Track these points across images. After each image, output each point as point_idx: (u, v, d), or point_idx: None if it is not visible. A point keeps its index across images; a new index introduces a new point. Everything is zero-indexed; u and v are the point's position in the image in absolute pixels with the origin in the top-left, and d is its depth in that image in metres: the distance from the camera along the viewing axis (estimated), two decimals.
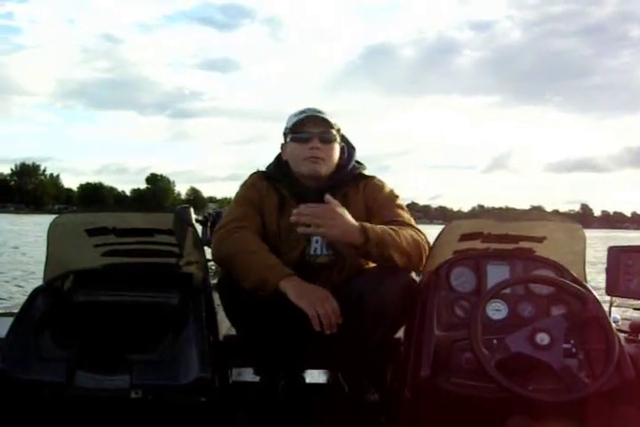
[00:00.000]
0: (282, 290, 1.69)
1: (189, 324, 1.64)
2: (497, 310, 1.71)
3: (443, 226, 1.83)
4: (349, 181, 1.97)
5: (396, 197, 1.98)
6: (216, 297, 1.84)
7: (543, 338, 1.50)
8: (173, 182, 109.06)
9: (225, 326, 1.94)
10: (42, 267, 1.80)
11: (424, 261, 1.80)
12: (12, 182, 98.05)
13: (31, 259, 11.82)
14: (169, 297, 1.71)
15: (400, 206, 1.94)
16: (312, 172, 1.91)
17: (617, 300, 2.03)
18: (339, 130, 1.97)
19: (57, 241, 1.79)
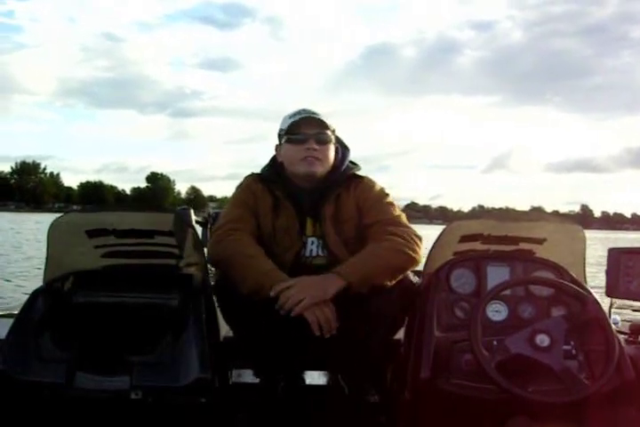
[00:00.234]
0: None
1: (189, 325, 1.63)
2: (497, 312, 1.71)
3: (443, 226, 1.84)
4: (342, 181, 1.97)
5: (386, 195, 1.98)
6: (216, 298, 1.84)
7: (543, 339, 1.50)
8: (174, 181, 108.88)
9: (225, 328, 1.94)
10: (42, 266, 1.80)
11: (419, 254, 1.81)
12: (13, 181, 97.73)
13: (32, 258, 11.81)
14: (169, 298, 1.70)
15: (390, 204, 1.95)
16: (308, 172, 1.92)
17: (617, 301, 2.03)
18: (334, 131, 1.98)
19: (57, 242, 1.79)
